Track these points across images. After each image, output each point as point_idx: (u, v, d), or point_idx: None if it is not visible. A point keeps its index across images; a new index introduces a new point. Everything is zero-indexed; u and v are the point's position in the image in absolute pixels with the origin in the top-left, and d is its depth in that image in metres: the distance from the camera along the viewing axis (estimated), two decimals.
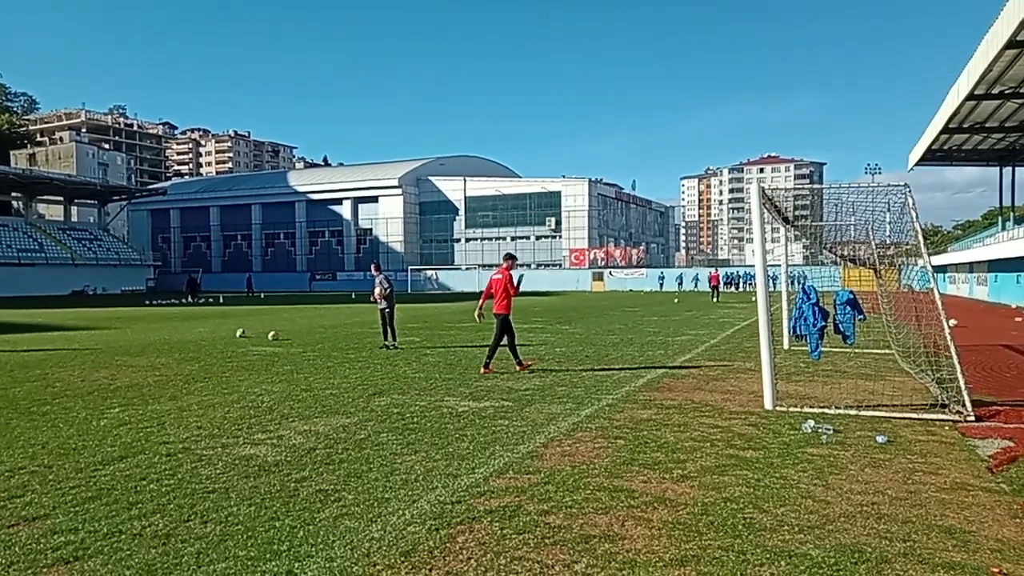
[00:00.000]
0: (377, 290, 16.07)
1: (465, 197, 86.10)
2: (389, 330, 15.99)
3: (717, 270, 56.60)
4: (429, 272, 79.80)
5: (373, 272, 16.75)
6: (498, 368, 12.21)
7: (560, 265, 79.79)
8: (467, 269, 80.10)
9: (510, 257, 12.73)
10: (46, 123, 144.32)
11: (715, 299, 42.87)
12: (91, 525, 4.79)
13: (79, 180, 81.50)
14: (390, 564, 4.14)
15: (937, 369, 9.36)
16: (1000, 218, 49.02)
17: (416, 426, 7.87)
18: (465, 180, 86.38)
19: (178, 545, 4.43)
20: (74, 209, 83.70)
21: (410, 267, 77.95)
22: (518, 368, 12.23)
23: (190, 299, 48.04)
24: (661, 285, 67.53)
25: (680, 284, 66.63)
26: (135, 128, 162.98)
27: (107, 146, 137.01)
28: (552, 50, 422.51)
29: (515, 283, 12.26)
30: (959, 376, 8.25)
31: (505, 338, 12.21)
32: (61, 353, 15.65)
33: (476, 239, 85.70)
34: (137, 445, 7.05)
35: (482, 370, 11.99)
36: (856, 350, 14.20)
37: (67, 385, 10.99)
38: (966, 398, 8.14)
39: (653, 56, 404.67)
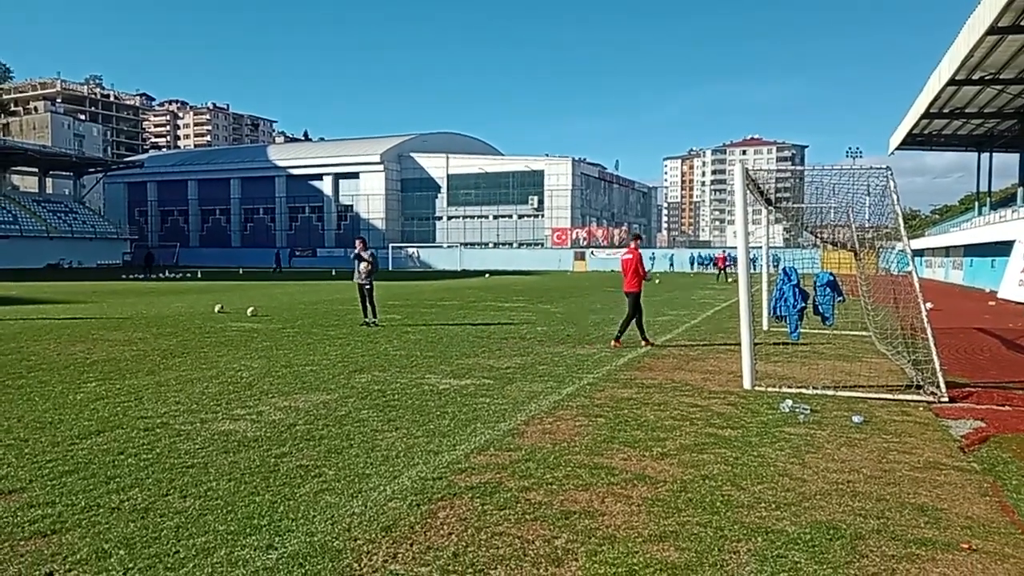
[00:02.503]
0: (363, 265, 15.90)
1: (447, 175, 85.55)
2: (369, 307, 15.91)
3: (724, 252, 56.88)
4: (410, 250, 79.35)
5: (358, 247, 16.34)
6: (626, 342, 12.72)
7: (542, 244, 79.69)
8: (448, 247, 79.77)
9: (637, 237, 13.51)
10: (20, 92, 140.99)
11: (718, 280, 43.28)
12: (68, 499, 4.75)
13: (54, 151, 79.98)
14: (371, 539, 4.15)
15: (913, 351, 9.50)
16: (977, 203, 49.67)
17: (397, 403, 7.87)
18: (447, 157, 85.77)
19: (157, 519, 4.41)
20: (49, 181, 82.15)
21: (391, 244, 77.50)
22: (643, 344, 12.60)
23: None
24: (651, 265, 67.38)
25: (671, 265, 66.25)
26: (111, 99, 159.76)
27: (83, 117, 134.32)
28: (536, 29, 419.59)
29: (644, 267, 12.94)
30: (934, 358, 8.38)
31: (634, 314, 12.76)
32: (36, 326, 15.44)
33: (458, 217, 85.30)
34: (114, 419, 6.99)
35: (613, 343, 12.60)
36: (834, 332, 14.37)
37: (42, 359, 10.85)
38: (940, 380, 8.27)
39: (638, 37, 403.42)
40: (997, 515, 4.65)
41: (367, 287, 15.87)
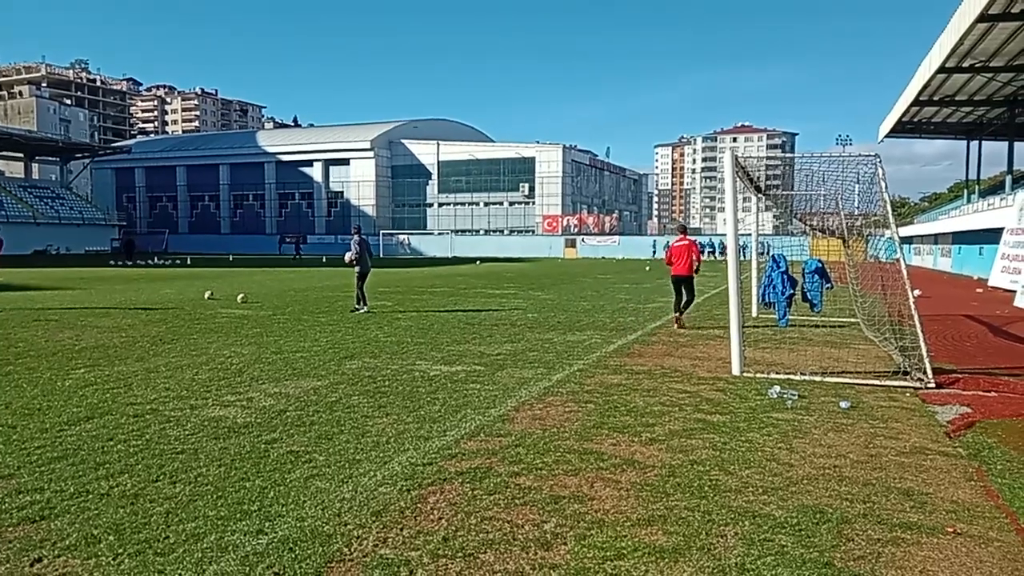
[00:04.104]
0: (348, 254, 15.92)
1: (438, 161, 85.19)
2: (358, 293, 15.90)
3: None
4: (401, 236, 79.13)
5: (353, 234, 16.46)
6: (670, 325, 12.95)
7: (533, 231, 79.61)
8: (439, 234, 79.59)
9: (684, 229, 14.68)
10: (4, 76, 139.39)
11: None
12: (57, 485, 4.74)
13: (40, 136, 79.07)
14: (361, 524, 4.16)
15: (900, 337, 9.57)
16: (966, 191, 49.90)
17: (387, 389, 7.87)
18: (438, 144, 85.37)
19: (147, 505, 4.41)
20: (35, 166, 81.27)
21: (382, 231, 77.22)
22: (675, 323, 13.49)
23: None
24: (653, 253, 65.67)
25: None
26: (98, 83, 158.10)
27: (69, 102, 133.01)
28: (527, 15, 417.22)
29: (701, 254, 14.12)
30: (921, 345, 8.45)
31: (684, 294, 13.62)
32: (23, 313, 15.33)
33: (449, 204, 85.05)
34: (103, 406, 6.96)
35: (675, 324, 13.48)
36: (822, 318, 14.45)
37: (30, 345, 10.79)
38: (927, 366, 8.34)
39: (629, 23, 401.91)
40: (982, 499, 4.71)
41: (356, 273, 15.90)
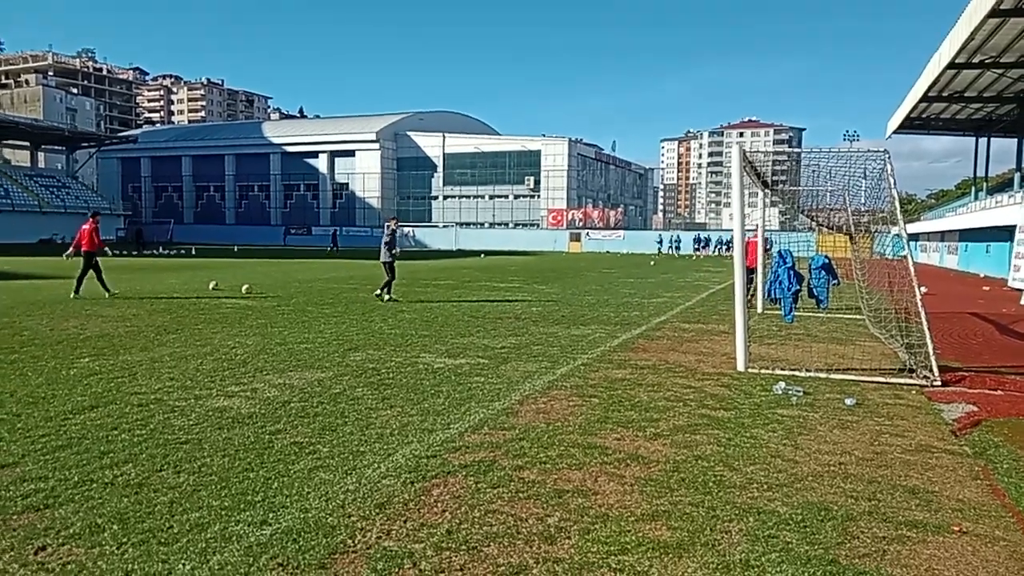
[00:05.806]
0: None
1: (444, 154, 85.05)
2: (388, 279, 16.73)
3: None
4: (406, 229, 79.00)
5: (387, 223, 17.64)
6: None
7: (538, 225, 79.48)
8: (444, 227, 79.54)
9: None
10: (11, 65, 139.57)
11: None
12: (62, 473, 4.75)
13: (46, 125, 79.16)
14: (365, 515, 4.16)
15: (907, 335, 9.52)
16: (973, 188, 49.65)
17: (392, 381, 7.87)
18: (444, 136, 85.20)
19: (151, 494, 4.41)
20: (41, 155, 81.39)
21: (386, 223, 77.16)
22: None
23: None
24: (676, 247, 61.28)
25: (703, 245, 60.71)
26: (104, 73, 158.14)
27: (75, 91, 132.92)
28: (534, 8, 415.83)
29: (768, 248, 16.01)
30: (928, 342, 8.41)
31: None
32: (29, 301, 15.38)
33: (454, 197, 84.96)
34: (108, 395, 6.97)
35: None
36: (828, 314, 14.40)
37: (35, 334, 10.81)
38: (933, 364, 8.30)
39: (635, 17, 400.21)
40: (988, 498, 4.68)
41: (386, 263, 16.83)
